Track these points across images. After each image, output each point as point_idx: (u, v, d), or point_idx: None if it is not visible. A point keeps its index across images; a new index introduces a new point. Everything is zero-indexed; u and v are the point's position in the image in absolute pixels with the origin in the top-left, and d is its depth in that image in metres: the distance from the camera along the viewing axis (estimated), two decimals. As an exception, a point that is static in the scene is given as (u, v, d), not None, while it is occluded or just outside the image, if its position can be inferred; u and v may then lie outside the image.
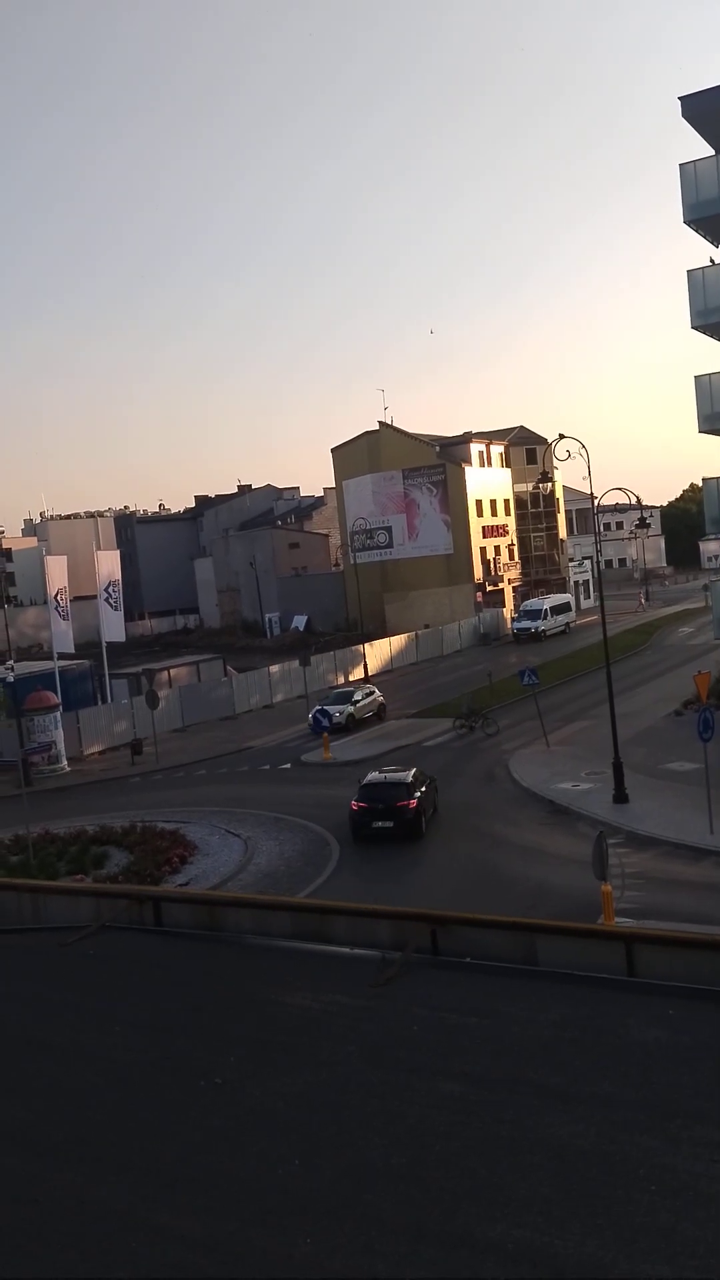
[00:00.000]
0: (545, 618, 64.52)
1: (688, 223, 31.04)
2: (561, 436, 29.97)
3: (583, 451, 29.81)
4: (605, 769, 28.06)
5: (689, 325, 31.36)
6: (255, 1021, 5.43)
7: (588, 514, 69.13)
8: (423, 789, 26.14)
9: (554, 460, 30.95)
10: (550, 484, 46.52)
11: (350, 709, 42.11)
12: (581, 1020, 5.03)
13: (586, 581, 79.65)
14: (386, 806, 25.03)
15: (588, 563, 79.44)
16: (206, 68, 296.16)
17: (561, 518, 79.36)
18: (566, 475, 75.29)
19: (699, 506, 34.23)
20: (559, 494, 76.95)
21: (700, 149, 31.59)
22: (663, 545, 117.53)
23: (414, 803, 25.21)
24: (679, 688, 39.73)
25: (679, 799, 26.38)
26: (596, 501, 31.39)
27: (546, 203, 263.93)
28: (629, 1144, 3.91)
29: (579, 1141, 3.96)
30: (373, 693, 44.99)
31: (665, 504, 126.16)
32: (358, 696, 43.63)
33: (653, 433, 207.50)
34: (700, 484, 33.62)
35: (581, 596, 77.48)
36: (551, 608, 65.74)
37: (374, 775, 26.60)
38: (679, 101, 30.38)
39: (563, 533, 79.69)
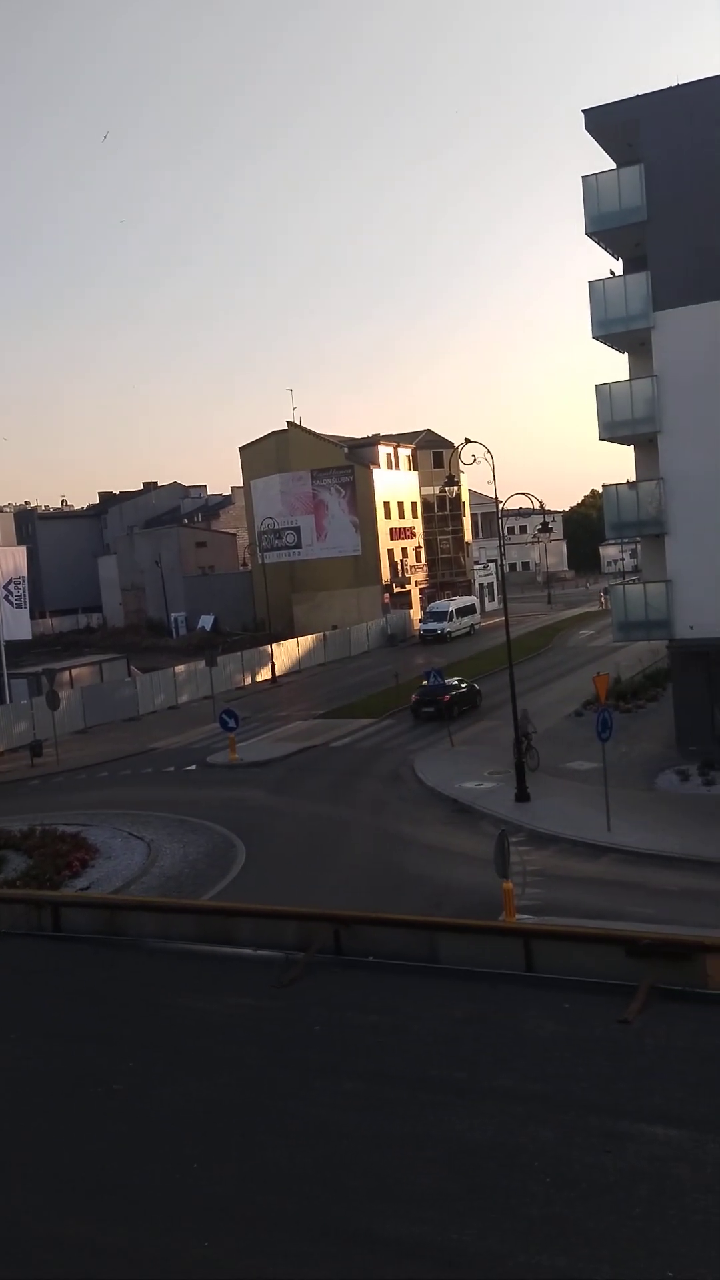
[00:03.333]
0: (451, 619, 65.29)
1: (589, 234, 31.75)
2: (467, 441, 30.38)
3: (488, 456, 30.29)
4: (508, 768, 28.53)
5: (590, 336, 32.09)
6: (157, 1026, 5.37)
7: (493, 518, 70.18)
8: (455, 693, 40.03)
9: (460, 464, 31.33)
10: (456, 487, 47.12)
11: None
12: (481, 1016, 5.10)
13: (491, 584, 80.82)
14: (433, 699, 39.23)
15: (492, 566, 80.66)
16: (119, 77, 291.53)
17: (467, 521, 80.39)
18: (472, 479, 76.44)
19: (599, 512, 35.08)
20: (465, 498, 77.96)
21: (604, 162, 32.38)
22: (565, 549, 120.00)
23: (448, 698, 39.14)
24: (580, 689, 40.64)
25: (579, 797, 26.98)
26: (501, 506, 31.91)
27: (459, 214, 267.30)
28: (526, 1137, 3.98)
29: (478, 1135, 4.02)
30: None
31: (568, 509, 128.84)
32: None
33: (557, 439, 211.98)
34: (601, 490, 34.42)
35: (486, 599, 78.60)
36: (457, 610, 66.56)
37: (424, 683, 40.72)
38: (582, 114, 31.11)
39: (468, 536, 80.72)
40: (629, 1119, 4.04)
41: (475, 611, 69.30)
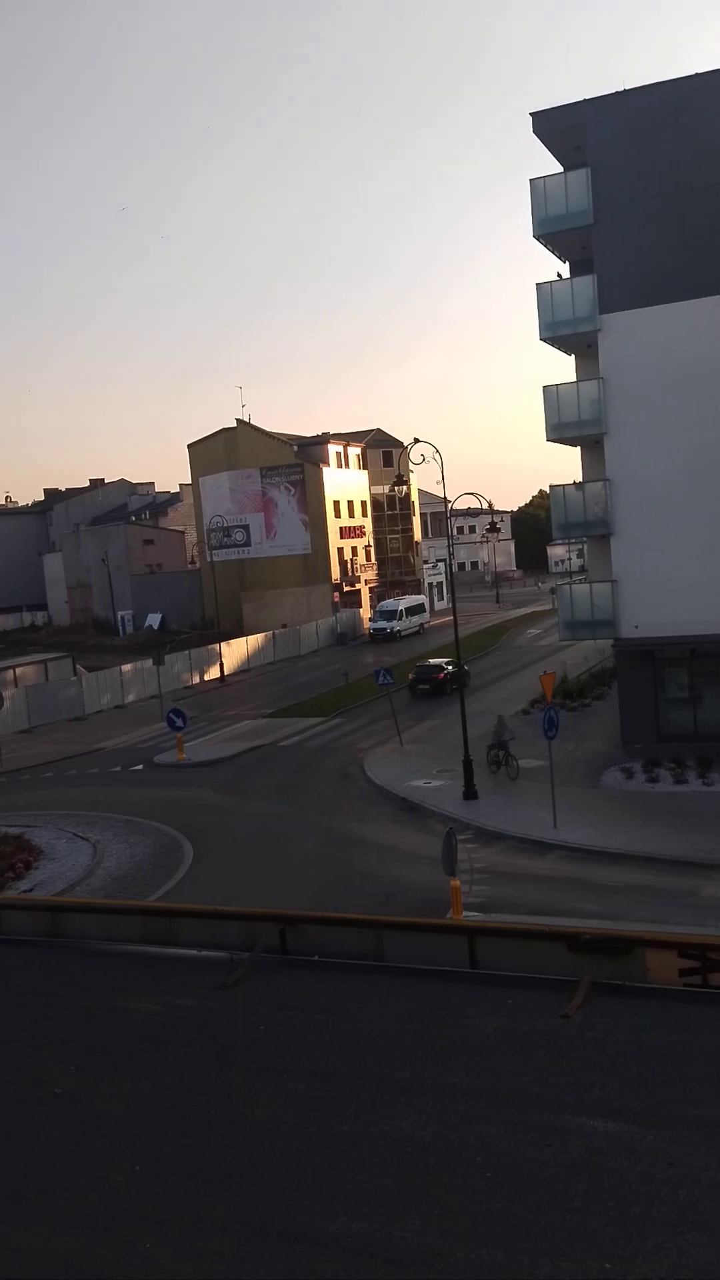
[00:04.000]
0: (400, 618, 65.51)
1: (537, 237, 32.04)
2: (417, 440, 30.49)
3: (437, 456, 30.43)
4: (456, 766, 28.69)
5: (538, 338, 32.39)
6: (99, 1029, 5.32)
7: (442, 517, 70.49)
8: (448, 671, 42.07)
9: (410, 464, 31.44)
10: (406, 487, 47.23)
11: None
12: (426, 1013, 5.12)
13: (440, 583, 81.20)
14: (428, 677, 43.39)
15: (441, 565, 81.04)
16: (77, 69, 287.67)
17: (417, 520, 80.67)
18: (422, 479, 76.69)
19: (547, 512, 35.41)
20: (414, 497, 78.23)
21: (552, 165, 32.69)
22: (513, 549, 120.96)
23: (441, 675, 42.71)
24: (527, 687, 41.00)
25: (526, 795, 27.21)
26: (450, 505, 32.08)
27: (413, 217, 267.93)
28: (468, 1132, 4.01)
29: (420, 1133, 4.03)
30: None
31: (516, 509, 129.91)
32: None
33: (506, 440, 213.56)
34: (548, 490, 34.75)
35: (435, 598, 78.96)
36: (406, 608, 66.79)
37: (420, 664, 45.66)
38: (530, 117, 31.37)
39: (418, 535, 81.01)
40: (569, 1113, 4.09)
41: (424, 610, 69.59)
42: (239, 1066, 4.75)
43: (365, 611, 71.08)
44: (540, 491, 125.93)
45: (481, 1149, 3.87)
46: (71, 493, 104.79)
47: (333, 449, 72.79)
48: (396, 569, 77.58)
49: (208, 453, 76.18)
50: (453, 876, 17.68)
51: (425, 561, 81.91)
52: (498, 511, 70.32)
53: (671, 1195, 3.50)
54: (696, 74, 29.23)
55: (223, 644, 58.15)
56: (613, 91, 30.31)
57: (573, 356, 34.26)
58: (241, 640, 60.88)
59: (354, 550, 73.53)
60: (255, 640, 61.41)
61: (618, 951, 5.25)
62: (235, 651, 58.63)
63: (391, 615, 65.64)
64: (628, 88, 30.13)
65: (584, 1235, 3.33)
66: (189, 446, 78.84)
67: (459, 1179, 3.69)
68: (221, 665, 55.76)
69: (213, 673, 55.39)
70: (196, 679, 54.70)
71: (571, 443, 33.81)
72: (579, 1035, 4.70)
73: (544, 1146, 3.86)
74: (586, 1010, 4.88)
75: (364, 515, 75.18)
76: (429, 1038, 4.87)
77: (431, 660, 46.08)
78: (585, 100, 30.49)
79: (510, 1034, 4.81)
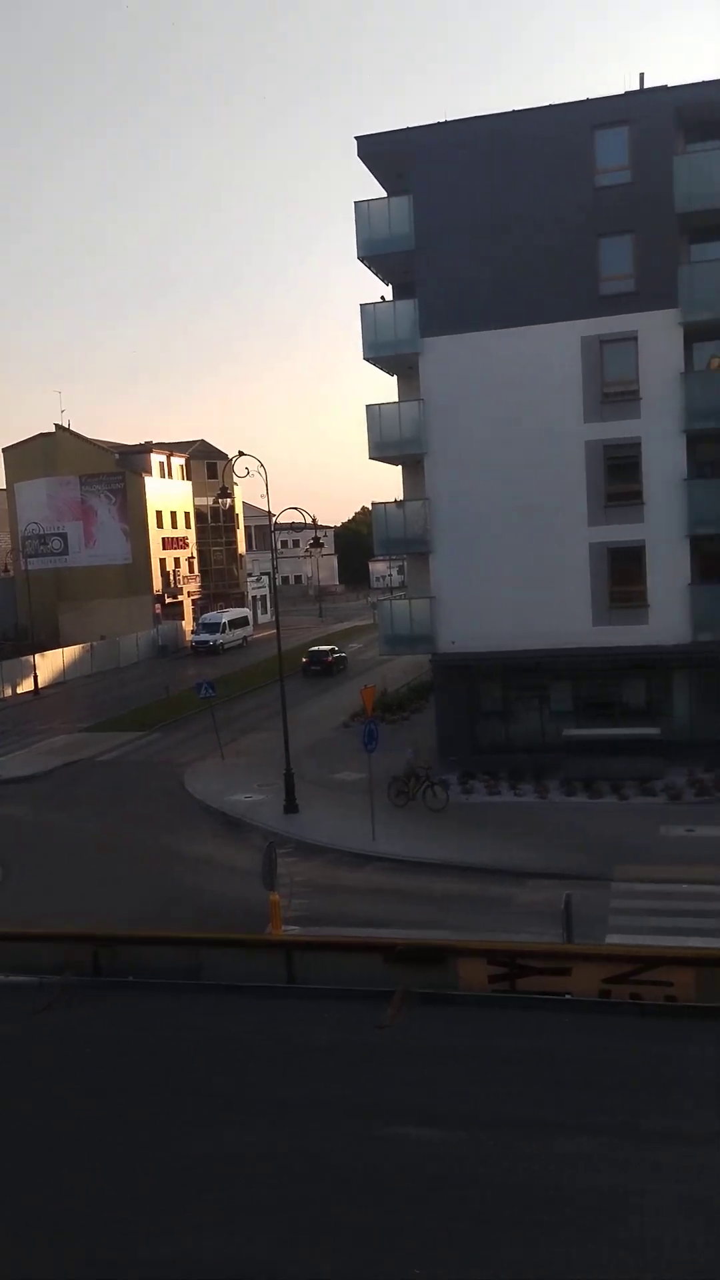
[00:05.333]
0: (223, 631, 65.09)
1: (361, 259, 32.63)
2: (241, 454, 30.46)
3: (261, 470, 30.50)
4: (278, 780, 28.70)
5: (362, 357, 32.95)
6: None
7: (266, 531, 70.54)
8: (334, 656, 53.48)
9: (234, 476, 31.34)
10: (230, 499, 47.04)
11: None
12: (245, 1029, 5.11)
13: (264, 596, 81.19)
14: (319, 660, 52.31)
15: (265, 578, 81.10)
16: None
17: (241, 533, 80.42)
18: (247, 492, 76.54)
19: (370, 528, 36.04)
20: (239, 510, 77.98)
21: (378, 188, 33.40)
22: (336, 564, 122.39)
23: (330, 659, 52.88)
24: (349, 701, 41.50)
25: (346, 808, 27.50)
26: (274, 519, 32.18)
27: (243, 227, 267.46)
28: (292, 1146, 4.02)
29: (245, 1148, 4.02)
30: None
31: (339, 524, 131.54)
32: None
33: (332, 455, 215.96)
34: (371, 507, 35.39)
35: (259, 611, 78.88)
36: (229, 621, 66.43)
37: (312, 648, 54.36)
38: (355, 141, 31.97)
39: (242, 548, 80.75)
40: (389, 1121, 4.16)
41: (248, 624, 69.40)
42: (51, 1095, 4.60)
43: (188, 624, 70.22)
44: (363, 508, 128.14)
45: (305, 1160, 3.89)
46: None
47: (155, 458, 71.65)
48: (220, 581, 77.05)
49: (24, 458, 73.51)
50: (272, 891, 17.65)
51: (249, 575, 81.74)
52: (322, 526, 70.78)
53: (482, 1196, 3.62)
54: (515, 110, 30.50)
55: (37, 655, 56.11)
56: (437, 121, 31.27)
57: (395, 377, 35.05)
58: (58, 651, 58.95)
59: (176, 562, 72.55)
60: (72, 652, 59.61)
61: (431, 961, 5.39)
62: (50, 663, 56.71)
63: (214, 628, 65.13)
64: (451, 119, 31.16)
65: (398, 1240, 3.39)
66: (3, 450, 75.88)
67: (284, 1192, 3.70)
68: (36, 677, 53.83)
69: (26, 685, 53.40)
70: (9, 691, 52.58)
71: (393, 461, 34.55)
72: (395, 1045, 4.80)
73: (367, 1155, 3.92)
74: (402, 1019, 4.98)
75: (187, 527, 74.33)
76: (249, 1054, 4.86)
77: (322, 646, 55.69)
78: (410, 128, 31.31)
79: (329, 1046, 4.86)
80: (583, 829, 24.73)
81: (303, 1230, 3.48)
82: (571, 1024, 4.94)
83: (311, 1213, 3.57)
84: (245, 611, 71.33)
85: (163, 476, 72.08)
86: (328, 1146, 4.00)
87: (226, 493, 36.34)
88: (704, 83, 28.99)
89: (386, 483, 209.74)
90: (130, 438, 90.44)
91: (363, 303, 32.53)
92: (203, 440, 78.08)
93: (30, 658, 55.48)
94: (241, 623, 68.22)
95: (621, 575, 30.49)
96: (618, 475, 30.32)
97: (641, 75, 35.07)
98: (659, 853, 22.84)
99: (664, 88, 29.40)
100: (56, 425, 72.47)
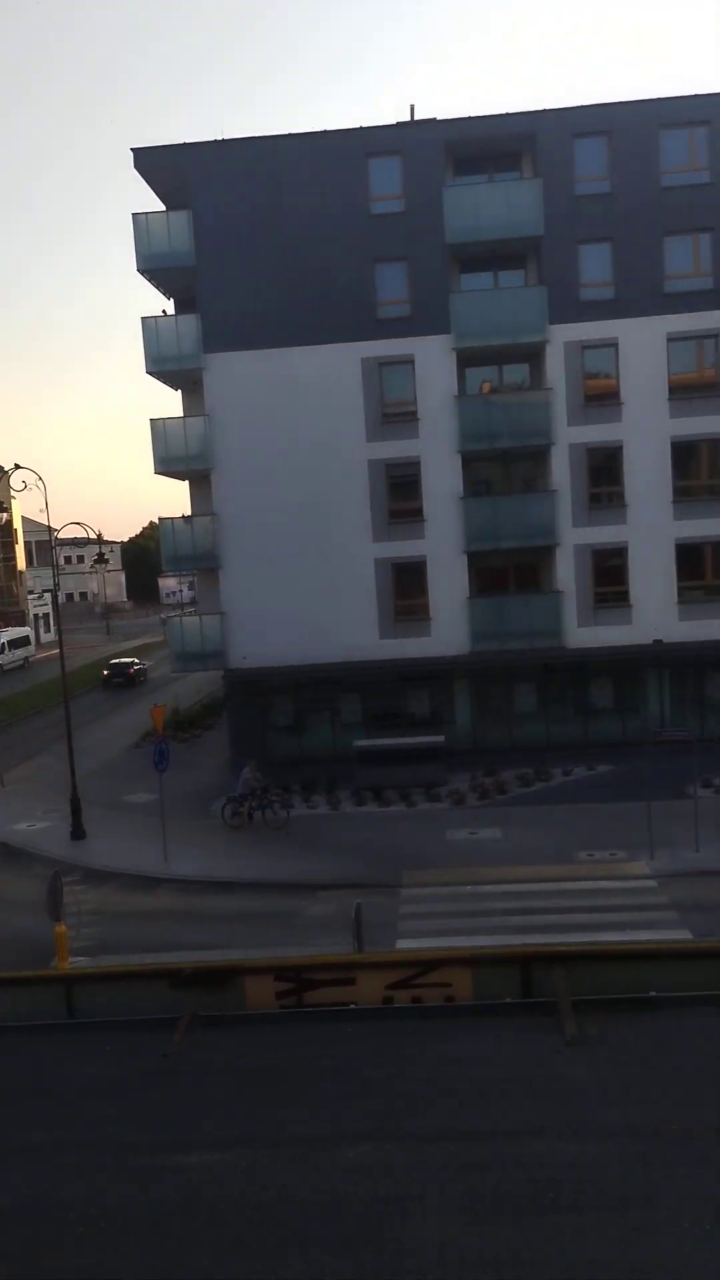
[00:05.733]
0: (3, 652, 62.30)
1: (141, 271, 32.15)
2: (17, 466, 29.25)
3: (40, 483, 29.37)
4: (64, 805, 27.69)
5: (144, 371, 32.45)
6: None
7: (47, 546, 68.05)
8: (136, 668, 53.85)
9: (10, 490, 30.06)
10: (7, 514, 45.09)
11: None
12: (17, 1069, 4.89)
13: (47, 614, 78.23)
14: (122, 673, 53.01)
15: (48, 595, 78.13)
16: None
17: (20, 549, 77.13)
18: (26, 507, 73.50)
19: (158, 544, 35.47)
20: (17, 524, 74.80)
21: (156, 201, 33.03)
22: (124, 580, 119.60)
23: (132, 671, 53.38)
24: (140, 720, 40.58)
25: (136, 830, 26.87)
26: (55, 534, 31.12)
27: (31, 235, 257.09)
28: (58, 1190, 3.87)
29: (5, 1198, 3.84)
30: None
31: (127, 539, 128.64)
32: None
33: (118, 471, 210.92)
34: (159, 522, 34.85)
35: (42, 630, 75.94)
36: (9, 641, 63.64)
37: (114, 661, 55.06)
38: (131, 153, 31.49)
39: (21, 564, 77.48)
40: (167, 1152, 4.09)
41: (30, 643, 66.67)
42: None
43: (-36, 645, 66.67)
44: (151, 523, 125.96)
45: (73, 1205, 3.75)
46: None
47: None
48: (-1, 600, 73.67)
49: None
50: (58, 922, 16.98)
51: (30, 592, 78.53)
52: (107, 541, 69.08)
53: (268, 1215, 3.62)
54: (291, 134, 30.95)
55: None
56: (214, 140, 31.27)
57: (180, 392, 34.71)
58: None
59: (-50, 579, 68.81)
60: None
61: (217, 983, 5.36)
62: None
63: (-7, 649, 62.19)
64: (227, 137, 31.24)
65: (185, 1268, 3.34)
66: None
67: (49, 1238, 3.56)
68: None
69: None
70: None
71: (180, 476, 34.18)
72: (178, 1071, 4.72)
73: (141, 1191, 3.83)
74: (187, 1046, 4.91)
75: (-39, 542, 70.64)
76: (20, 1094, 4.66)
77: (125, 659, 56.78)
78: (187, 144, 31.11)
79: (109, 1081, 4.74)
80: (373, 837, 25.21)
81: (66, 1273, 3.36)
82: (356, 1033, 5.03)
83: (80, 1258, 3.45)
84: (26, 630, 68.47)
85: (-67, 490, 68.23)
86: (96, 1186, 3.89)
87: (2, 507, 34.84)
88: (471, 118, 30.37)
89: (177, 498, 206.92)
90: None
91: (144, 315, 32.09)
92: (-23, 452, 74.59)
93: None
94: (22, 642, 65.48)
95: (405, 589, 31.43)
96: (399, 493, 31.27)
97: (412, 107, 36.26)
98: (445, 857, 23.61)
99: (433, 120, 30.62)
100: None
